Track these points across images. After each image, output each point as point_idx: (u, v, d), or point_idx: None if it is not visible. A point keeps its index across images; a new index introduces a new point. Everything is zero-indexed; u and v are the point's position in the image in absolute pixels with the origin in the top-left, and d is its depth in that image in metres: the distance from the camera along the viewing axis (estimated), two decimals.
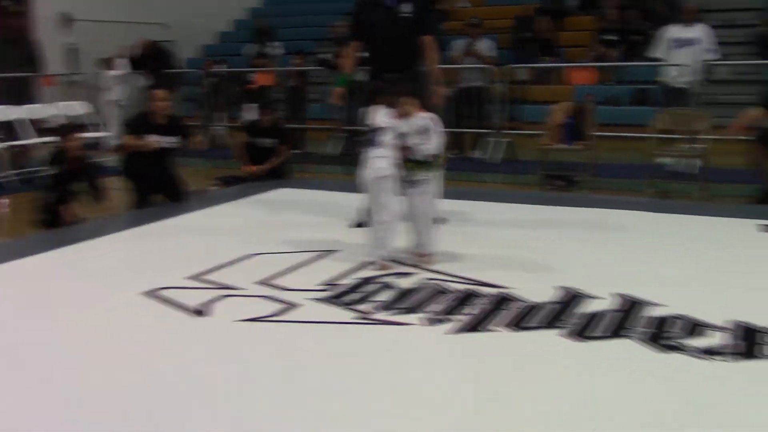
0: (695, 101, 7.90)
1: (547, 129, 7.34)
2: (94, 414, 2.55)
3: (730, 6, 12.34)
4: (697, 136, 7.45)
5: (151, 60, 11.21)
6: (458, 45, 9.69)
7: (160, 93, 6.37)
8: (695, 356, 2.94)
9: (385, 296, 3.72)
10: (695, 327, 3.23)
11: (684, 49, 7.94)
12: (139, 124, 6.39)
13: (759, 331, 3.18)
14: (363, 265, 4.20)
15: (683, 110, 7.49)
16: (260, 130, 7.51)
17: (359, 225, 5.00)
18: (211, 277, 4.09)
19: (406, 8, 5.04)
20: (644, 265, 4.23)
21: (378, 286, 3.89)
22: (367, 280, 3.97)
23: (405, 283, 3.93)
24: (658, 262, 4.31)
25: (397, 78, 4.76)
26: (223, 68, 11.99)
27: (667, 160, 7.97)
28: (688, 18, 8.02)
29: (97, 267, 4.47)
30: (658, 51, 8.18)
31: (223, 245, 4.76)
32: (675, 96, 7.90)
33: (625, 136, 8.54)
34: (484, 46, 9.42)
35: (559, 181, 7.05)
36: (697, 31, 7.98)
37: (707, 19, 9.71)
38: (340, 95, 5.55)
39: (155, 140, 6.13)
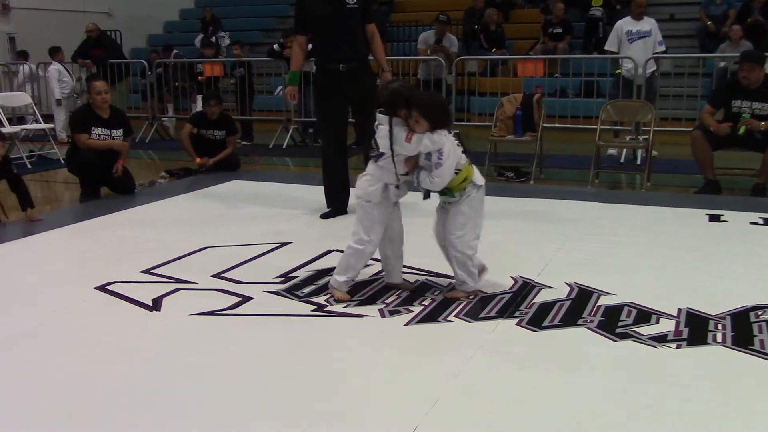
0: (650, 93, 8.05)
1: (498, 120, 7.41)
2: (49, 410, 2.50)
3: (669, 0, 12.68)
4: (643, 128, 7.63)
5: (95, 49, 10.94)
6: (427, 38, 9.61)
7: (98, 84, 6.23)
8: (646, 343, 3.01)
9: None
10: (645, 315, 3.31)
11: (638, 42, 8.08)
12: (84, 117, 6.26)
13: (707, 318, 3.28)
14: (317, 257, 4.20)
15: (628, 102, 7.64)
16: (207, 121, 7.43)
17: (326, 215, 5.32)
18: (164, 270, 4.04)
19: None
20: (594, 254, 4.32)
21: None
22: (321, 273, 3.96)
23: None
24: (607, 251, 4.40)
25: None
26: (169, 58, 11.79)
27: (612, 151, 8.15)
28: (637, 11, 8.16)
29: (48, 261, 4.37)
30: (612, 44, 8.30)
31: (176, 238, 4.71)
32: (629, 88, 8.04)
33: (574, 128, 8.70)
34: (449, 42, 9.41)
35: (509, 173, 7.14)
36: (648, 25, 8.13)
37: (649, 13, 9.94)
38: (291, 94, 5.43)
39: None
